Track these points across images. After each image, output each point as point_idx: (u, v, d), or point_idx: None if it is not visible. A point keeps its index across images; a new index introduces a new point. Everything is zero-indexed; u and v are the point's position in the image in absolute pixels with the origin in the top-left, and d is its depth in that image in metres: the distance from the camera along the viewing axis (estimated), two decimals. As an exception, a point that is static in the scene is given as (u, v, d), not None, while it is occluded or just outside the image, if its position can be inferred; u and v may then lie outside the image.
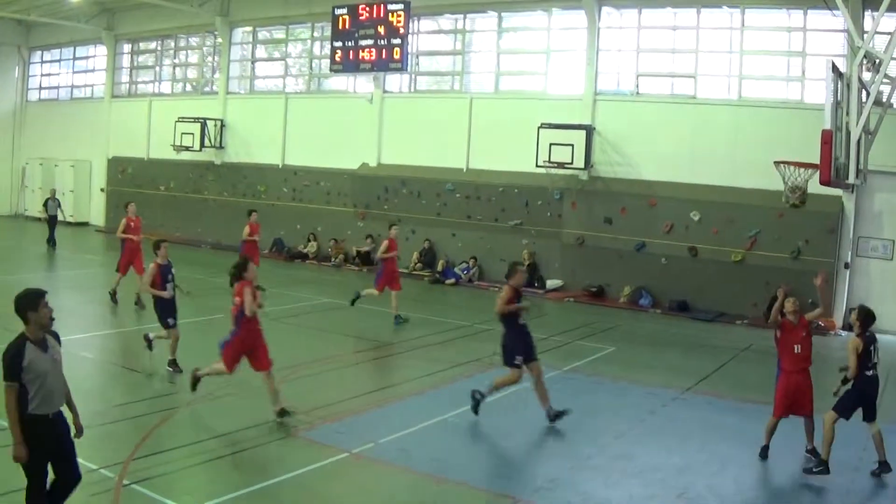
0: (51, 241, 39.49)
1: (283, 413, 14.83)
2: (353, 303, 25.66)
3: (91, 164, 51.20)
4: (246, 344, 15.14)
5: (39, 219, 44.62)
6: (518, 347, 16.21)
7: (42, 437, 9.37)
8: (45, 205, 41.97)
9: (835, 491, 13.47)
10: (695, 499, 12.63)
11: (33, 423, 9.33)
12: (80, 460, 10.05)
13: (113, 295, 25.92)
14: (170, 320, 18.99)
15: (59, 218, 41.63)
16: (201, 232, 43.91)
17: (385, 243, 25.69)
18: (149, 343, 19.54)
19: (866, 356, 14.02)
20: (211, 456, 13.21)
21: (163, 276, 18.97)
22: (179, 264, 20.10)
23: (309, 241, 40.29)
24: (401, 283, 25.82)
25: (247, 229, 29.77)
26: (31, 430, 9.31)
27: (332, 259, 38.73)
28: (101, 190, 50.54)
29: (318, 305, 25.47)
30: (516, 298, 16.23)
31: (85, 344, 20.92)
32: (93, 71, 53.03)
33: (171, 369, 18.37)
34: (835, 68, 22.02)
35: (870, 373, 14.12)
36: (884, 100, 25.26)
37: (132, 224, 26.70)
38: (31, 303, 9.52)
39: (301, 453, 13.71)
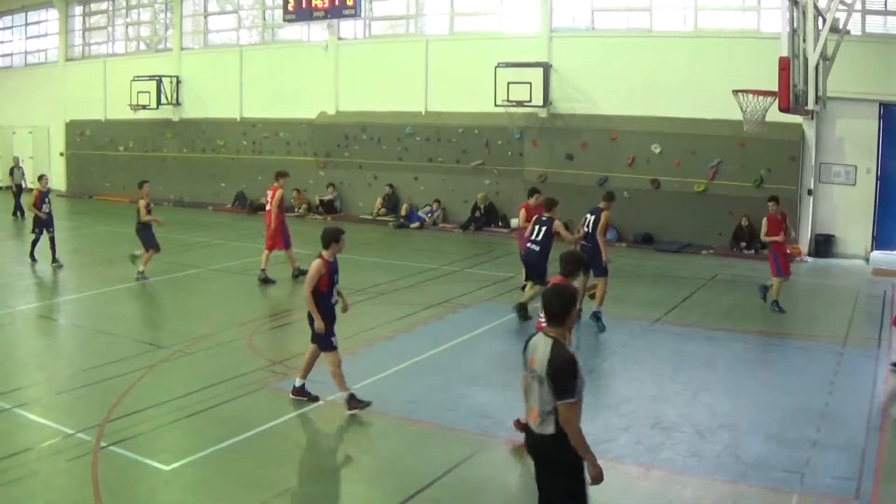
0: (18, 212, 37.96)
1: None
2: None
3: (49, 129, 49.52)
4: None
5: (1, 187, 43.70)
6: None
7: None
8: (11, 173, 40.60)
9: (804, 410, 13.44)
10: (669, 427, 12.61)
11: None
12: (55, 425, 10.82)
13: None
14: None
15: (23, 186, 39.94)
16: (163, 190, 42.24)
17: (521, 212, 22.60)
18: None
19: None
20: (186, 413, 12.97)
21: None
22: None
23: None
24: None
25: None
26: None
27: (296, 209, 37.60)
28: (61, 154, 49.04)
29: (282, 256, 24.57)
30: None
31: (54, 308, 20.86)
32: (46, 35, 51.22)
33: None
34: (790, -4, 21.71)
35: None
36: (840, 26, 25.11)
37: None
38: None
39: (275, 404, 13.52)
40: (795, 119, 27.76)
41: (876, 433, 12.65)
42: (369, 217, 36.35)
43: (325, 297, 13.15)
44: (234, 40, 42.84)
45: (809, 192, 29.07)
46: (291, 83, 39.15)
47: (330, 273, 13.07)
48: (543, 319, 9.60)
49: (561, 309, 7.93)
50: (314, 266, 12.92)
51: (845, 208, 28.23)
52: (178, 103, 43.27)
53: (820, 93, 24.61)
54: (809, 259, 28.23)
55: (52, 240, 25.17)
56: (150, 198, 23.31)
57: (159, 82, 42.45)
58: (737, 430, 12.55)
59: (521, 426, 10.44)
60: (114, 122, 45.94)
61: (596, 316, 18.65)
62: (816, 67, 23.59)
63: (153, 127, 44.19)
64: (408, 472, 11.15)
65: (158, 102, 42.39)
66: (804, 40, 23.03)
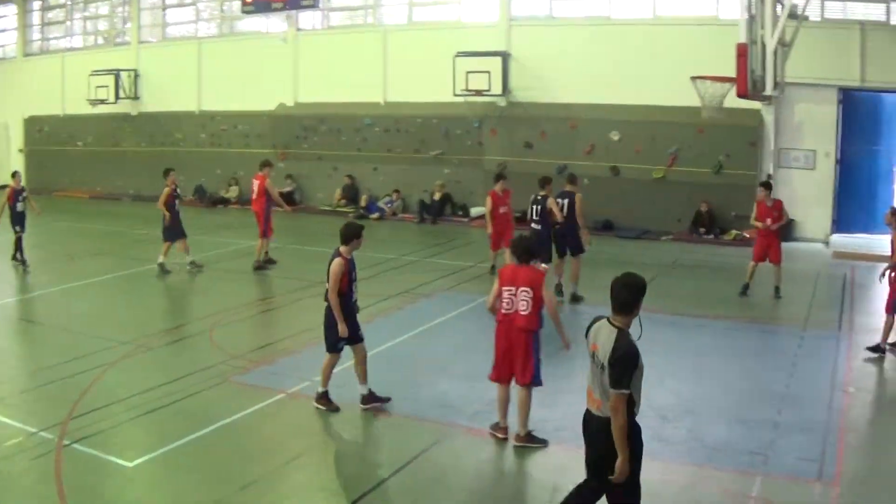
0: None
1: None
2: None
3: (7, 124, 48.45)
4: None
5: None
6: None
7: None
8: None
9: (766, 392, 13.47)
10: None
11: None
12: (17, 424, 10.87)
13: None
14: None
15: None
16: (122, 185, 42.01)
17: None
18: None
19: None
20: (148, 409, 12.72)
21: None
22: (103, 217, 19.16)
23: (230, 185, 38.74)
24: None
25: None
26: None
27: (255, 202, 37.05)
28: (20, 150, 47.91)
29: (242, 249, 24.79)
30: None
31: (14, 307, 20.59)
32: (3, 31, 50.06)
33: None
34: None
35: None
36: (799, 12, 24.84)
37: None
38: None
39: (237, 398, 13.26)
40: (754, 105, 27.64)
41: (837, 414, 12.65)
42: (329, 208, 35.78)
43: (346, 298, 12.48)
44: (193, 33, 42.04)
45: (769, 177, 28.25)
46: (250, 75, 38.37)
47: (349, 271, 12.42)
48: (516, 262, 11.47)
49: (629, 299, 7.98)
50: (337, 265, 12.21)
51: (805, 193, 27.99)
52: (136, 97, 42.30)
53: (778, 78, 24.61)
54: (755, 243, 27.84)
55: (19, 239, 24.29)
56: (109, 192, 22.54)
57: (117, 76, 41.59)
58: (700, 415, 12.53)
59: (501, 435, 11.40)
60: (73, 117, 44.93)
61: (575, 297, 19.50)
62: (774, 53, 23.58)
63: (112, 121, 43.25)
64: (372, 462, 11.19)
65: (117, 97, 41.52)
66: (762, 26, 23.15)
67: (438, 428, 12.01)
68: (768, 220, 20.32)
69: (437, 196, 33.71)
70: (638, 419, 10.84)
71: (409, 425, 12.25)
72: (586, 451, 8.30)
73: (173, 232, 23.56)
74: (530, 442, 11.38)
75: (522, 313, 11.22)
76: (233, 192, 38.41)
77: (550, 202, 19.24)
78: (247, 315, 19.12)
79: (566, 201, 19.51)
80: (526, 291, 11.21)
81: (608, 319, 8.06)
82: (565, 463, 10.57)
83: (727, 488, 9.92)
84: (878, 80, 27.70)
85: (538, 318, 11.35)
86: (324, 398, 12.73)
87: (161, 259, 23.32)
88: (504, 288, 11.35)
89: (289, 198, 36.19)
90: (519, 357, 11.36)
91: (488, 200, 21.99)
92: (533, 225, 19.55)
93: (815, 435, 11.53)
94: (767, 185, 21.20)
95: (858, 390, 13.76)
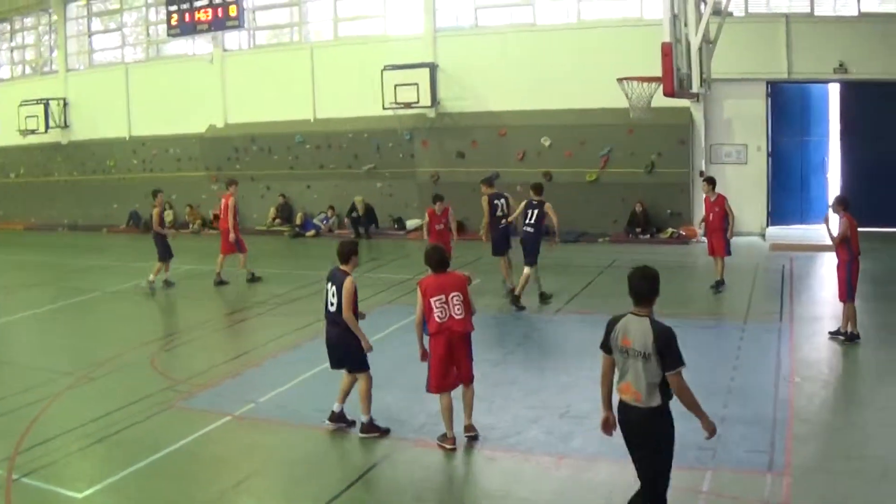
0: None
1: None
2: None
3: (-60, 158, 47.09)
4: None
5: None
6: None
7: None
8: None
9: (711, 387, 12.68)
10: (578, 415, 12.27)
11: None
12: None
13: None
14: None
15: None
16: (56, 215, 40.53)
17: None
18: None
19: None
20: (95, 438, 12.28)
21: None
22: (39, 248, 18.46)
23: (165, 210, 37.37)
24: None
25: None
26: None
27: (190, 225, 36.13)
28: (-47, 185, 46.59)
29: (180, 274, 24.09)
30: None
31: None
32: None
33: None
34: (670, -19, 21.50)
35: None
36: (722, 8, 24.65)
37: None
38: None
39: (183, 423, 12.83)
40: (683, 103, 27.35)
41: (784, 405, 12.54)
42: (264, 228, 34.73)
43: (358, 316, 12.24)
44: (120, 58, 40.48)
45: (701, 174, 28.15)
46: (179, 98, 37.08)
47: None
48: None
49: (650, 291, 8.20)
50: (351, 284, 11.96)
51: (739, 187, 27.24)
52: (66, 126, 40.75)
53: (704, 75, 23.95)
54: (705, 240, 27.34)
55: None
56: (44, 223, 21.78)
57: (47, 105, 40.05)
58: None
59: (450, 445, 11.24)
60: (3, 148, 42.95)
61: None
62: (700, 51, 23.07)
63: (43, 151, 41.58)
64: (321, 480, 10.76)
65: (47, 126, 39.97)
66: (686, 25, 22.69)
67: (387, 442, 11.76)
68: (710, 216, 20.66)
69: (360, 210, 32.77)
70: (584, 420, 11.62)
71: (357, 441, 11.91)
72: (629, 447, 8.47)
73: (165, 252, 23.52)
74: (473, 431, 11.54)
75: (458, 318, 11.19)
76: (167, 217, 37.05)
77: (548, 207, 19.74)
78: (188, 339, 18.63)
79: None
80: (457, 296, 11.23)
81: (632, 314, 8.22)
82: (515, 470, 10.60)
83: (678, 484, 9.27)
84: (805, 72, 27.76)
85: (471, 320, 11.44)
86: (372, 427, 12.02)
87: (152, 277, 23.34)
88: (433, 298, 11.21)
89: (223, 219, 35.53)
90: (463, 360, 11.39)
91: (426, 217, 21.62)
92: (527, 229, 19.88)
93: (763, 427, 11.38)
94: (710, 181, 21.22)
95: (804, 380, 13.65)
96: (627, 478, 9.79)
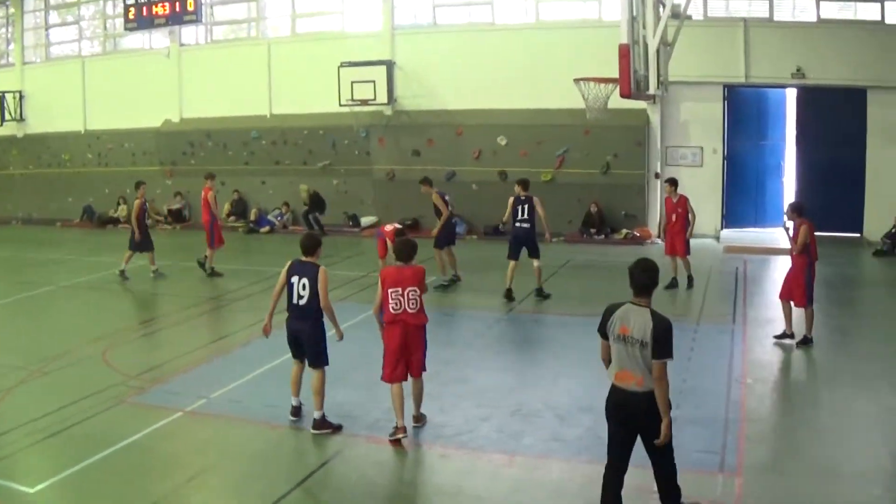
0: None
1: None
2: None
3: None
4: None
5: None
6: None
7: None
8: None
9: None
10: (530, 414, 12.27)
11: None
12: None
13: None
14: None
15: None
16: (11, 208, 39.39)
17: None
18: None
19: None
20: (47, 433, 11.97)
21: None
22: None
23: (119, 204, 35.94)
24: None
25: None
26: None
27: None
28: None
29: (134, 269, 23.41)
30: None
31: None
32: None
33: None
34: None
35: None
36: (681, 11, 24.54)
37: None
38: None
39: (135, 418, 12.51)
40: (640, 105, 27.03)
41: (736, 406, 12.51)
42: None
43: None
44: (77, 52, 39.43)
45: (657, 176, 28.44)
46: (135, 92, 36.10)
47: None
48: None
49: (651, 281, 8.59)
50: (326, 274, 11.94)
51: (694, 189, 26.18)
52: (22, 119, 39.53)
53: (662, 77, 23.96)
54: (660, 241, 27.34)
55: None
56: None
57: (2, 98, 38.93)
58: (598, 413, 11.38)
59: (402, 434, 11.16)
60: (-41, 142, 42.17)
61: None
62: (657, 53, 22.99)
63: (-2, 144, 40.63)
64: (274, 476, 10.52)
65: (3, 119, 38.88)
66: (644, 27, 22.65)
67: (339, 438, 11.56)
68: (673, 217, 20.54)
69: (304, 201, 32.18)
70: (535, 418, 11.75)
71: (309, 437, 11.70)
72: (620, 431, 8.72)
73: (144, 244, 23.29)
74: (420, 422, 11.78)
75: (411, 311, 11.29)
76: (122, 212, 35.75)
77: (537, 201, 19.99)
78: (140, 335, 18.15)
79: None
80: (413, 291, 11.31)
81: (631, 303, 8.57)
82: (467, 468, 10.50)
83: (630, 483, 9.14)
84: (762, 76, 27.53)
85: (425, 313, 11.51)
86: (325, 423, 11.83)
87: (123, 266, 23.14)
88: (390, 290, 11.31)
89: (178, 215, 34.63)
90: (415, 352, 11.48)
91: (379, 244, 20.75)
92: (521, 224, 20.03)
93: (716, 427, 11.33)
94: (673, 182, 20.93)
95: (755, 382, 13.64)
96: (577, 477, 10.09)
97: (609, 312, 8.69)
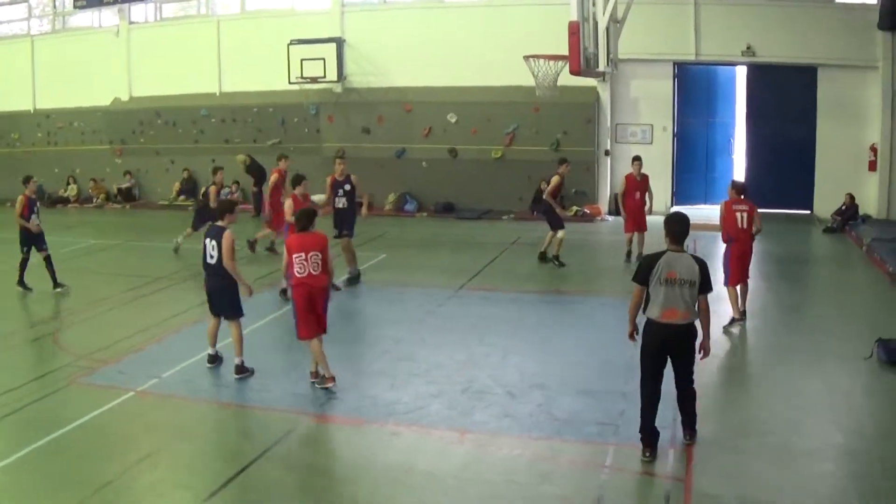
0: None
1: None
2: None
3: None
4: None
5: None
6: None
7: None
8: None
9: (612, 364, 12.82)
10: (480, 391, 11.96)
11: None
12: None
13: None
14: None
15: None
16: (-39, 189, 37.84)
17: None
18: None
19: None
20: None
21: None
22: None
23: (69, 184, 34.49)
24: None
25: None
26: None
27: (94, 199, 33.45)
28: None
29: (85, 248, 22.62)
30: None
31: None
32: None
33: None
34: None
35: None
36: None
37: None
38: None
39: (85, 399, 12.03)
40: (590, 82, 26.23)
41: None
42: (168, 203, 32.34)
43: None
44: (25, 30, 37.43)
45: (606, 153, 27.64)
46: (84, 71, 34.29)
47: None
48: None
49: (685, 230, 9.51)
50: (230, 236, 12.34)
51: (644, 167, 25.95)
52: (-30, 99, 37.94)
53: (611, 55, 23.02)
54: (610, 218, 26.92)
55: (48, 259, 19.11)
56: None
57: (-49, 78, 37.23)
58: (548, 389, 12.01)
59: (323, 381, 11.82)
60: None
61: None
62: (607, 30, 22.22)
63: (-53, 125, 38.54)
64: (228, 455, 10.24)
65: (-49, 98, 37.07)
66: (594, 4, 22.00)
67: (291, 417, 11.28)
68: (637, 194, 20.46)
69: (242, 168, 30.10)
70: (485, 395, 11.66)
71: (261, 416, 11.51)
72: (658, 360, 9.64)
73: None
74: (315, 378, 12.06)
75: (315, 274, 11.77)
76: (72, 191, 34.25)
77: (553, 179, 19.87)
78: (89, 315, 17.03)
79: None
80: (316, 255, 11.77)
81: (671, 251, 9.43)
82: (418, 444, 10.29)
83: (581, 459, 9.61)
84: (712, 54, 26.78)
85: (329, 275, 12.03)
86: (244, 368, 12.55)
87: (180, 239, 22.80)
88: (295, 255, 11.75)
89: (128, 194, 33.07)
90: (319, 311, 11.88)
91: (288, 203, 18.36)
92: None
93: (665, 403, 10.41)
94: (639, 160, 20.70)
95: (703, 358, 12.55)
96: (529, 453, 9.91)
97: (652, 261, 9.43)
